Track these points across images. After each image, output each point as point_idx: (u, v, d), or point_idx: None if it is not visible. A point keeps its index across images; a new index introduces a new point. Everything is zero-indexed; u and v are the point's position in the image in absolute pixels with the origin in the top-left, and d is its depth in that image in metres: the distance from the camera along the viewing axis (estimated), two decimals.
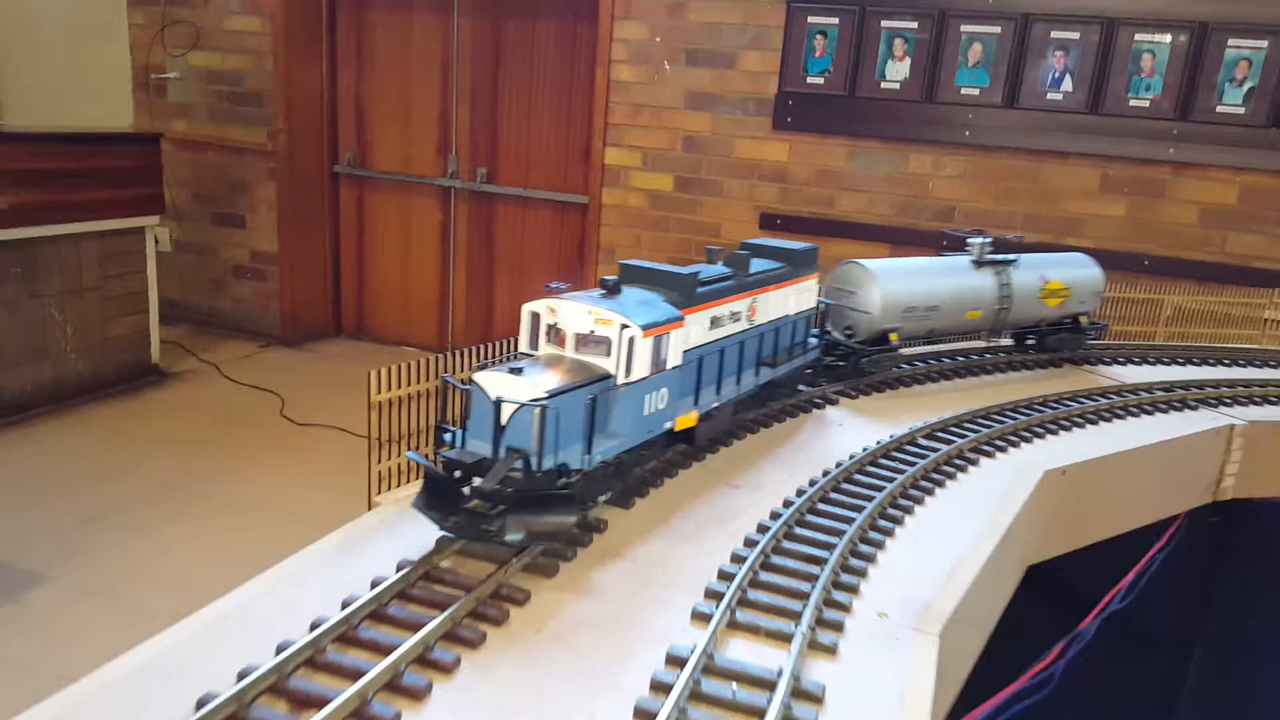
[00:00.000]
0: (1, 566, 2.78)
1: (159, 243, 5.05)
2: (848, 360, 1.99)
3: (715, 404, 1.48)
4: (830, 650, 1.07)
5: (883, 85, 4.50)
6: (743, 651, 1.06)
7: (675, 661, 1.00)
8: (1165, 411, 2.03)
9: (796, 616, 1.11)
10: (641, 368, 1.21)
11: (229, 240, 5.89)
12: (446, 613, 1.02)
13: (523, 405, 1.06)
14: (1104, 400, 2.05)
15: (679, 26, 4.71)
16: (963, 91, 4.38)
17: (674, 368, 1.31)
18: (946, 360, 2.37)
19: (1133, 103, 4.18)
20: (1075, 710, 1.71)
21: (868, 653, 1.08)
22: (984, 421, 1.86)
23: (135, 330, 4.65)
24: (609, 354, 1.19)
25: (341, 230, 6.09)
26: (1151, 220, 4.20)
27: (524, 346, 1.26)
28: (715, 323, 1.43)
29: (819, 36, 4.54)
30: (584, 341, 1.20)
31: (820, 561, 1.25)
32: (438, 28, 5.61)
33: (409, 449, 1.19)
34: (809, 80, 4.60)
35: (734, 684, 0.97)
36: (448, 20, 5.57)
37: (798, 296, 1.72)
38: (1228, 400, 2.14)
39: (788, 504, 1.42)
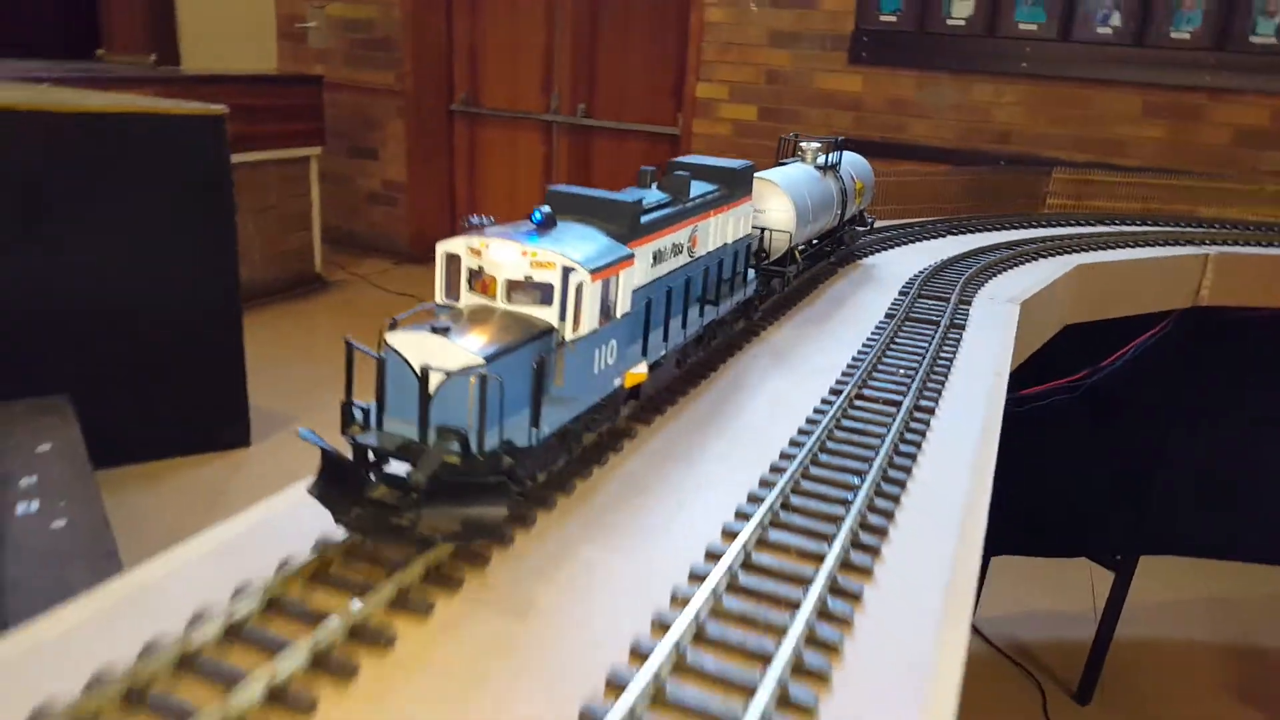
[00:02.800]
0: (264, 411, 3.65)
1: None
2: (765, 284, 1.79)
3: (663, 353, 1.29)
4: (968, 304, 1.97)
5: (948, 22, 5.06)
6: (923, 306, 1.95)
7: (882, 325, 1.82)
8: (1165, 245, 2.78)
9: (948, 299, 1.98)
10: (591, 319, 1.03)
11: (363, 171, 6.72)
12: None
13: (455, 374, 0.87)
14: (1118, 234, 2.77)
15: None
16: (1021, 27, 4.93)
17: (623, 315, 1.12)
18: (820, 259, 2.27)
19: (1174, 35, 4.69)
20: (1092, 414, 2.44)
21: (987, 308, 1.94)
22: (1020, 245, 2.54)
23: (303, 244, 5.51)
24: (550, 303, 0.99)
25: (456, 161, 6.87)
26: (1188, 142, 4.74)
27: (440, 297, 1.03)
28: (658, 258, 1.24)
29: None
30: (518, 289, 0.99)
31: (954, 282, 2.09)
32: None
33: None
34: (882, 18, 5.18)
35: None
36: None
37: (735, 222, 1.52)
38: (1210, 241, 2.85)
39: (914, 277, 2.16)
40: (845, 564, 0.94)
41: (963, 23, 5.04)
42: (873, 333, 1.75)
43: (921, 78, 5.17)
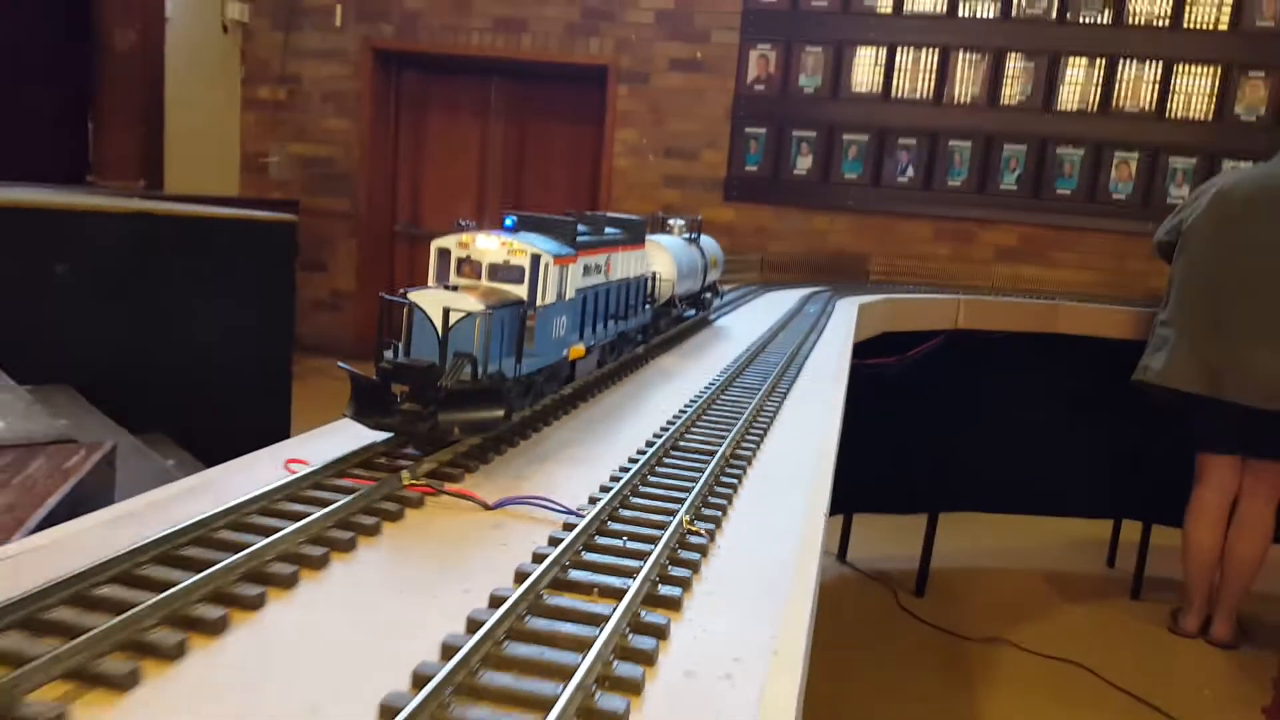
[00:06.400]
0: None
1: None
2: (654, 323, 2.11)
3: (593, 342, 1.61)
4: (832, 307, 3.22)
5: (794, 172, 6.81)
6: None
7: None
8: (938, 294, 4.33)
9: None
10: (551, 294, 1.30)
11: (310, 282, 7.78)
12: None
13: (469, 314, 1.11)
14: (912, 288, 4.35)
15: (660, 132, 6.98)
16: (846, 176, 6.72)
17: (569, 300, 1.41)
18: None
19: (950, 183, 6.58)
20: (902, 382, 3.83)
21: (844, 308, 3.15)
22: (857, 290, 4.02)
23: None
24: (521, 282, 1.25)
25: (396, 274, 8.05)
26: (966, 255, 6.57)
27: (433, 282, 1.27)
28: (587, 270, 1.53)
29: (753, 141, 6.85)
30: (498, 270, 1.25)
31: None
32: (476, 128, 7.76)
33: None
34: (747, 168, 6.89)
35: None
36: (484, 123, 7.73)
37: (635, 261, 1.86)
38: (963, 293, 4.47)
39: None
40: (736, 454, 1.30)
41: (805, 173, 6.80)
42: (780, 318, 3.06)
43: (777, 211, 6.86)
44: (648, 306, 2.00)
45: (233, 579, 0.72)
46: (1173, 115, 6.26)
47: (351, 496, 0.93)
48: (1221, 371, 3.60)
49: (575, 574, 0.82)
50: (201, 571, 0.70)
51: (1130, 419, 4.19)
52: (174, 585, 0.67)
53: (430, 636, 0.68)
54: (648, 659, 0.68)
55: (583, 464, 1.24)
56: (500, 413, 1.11)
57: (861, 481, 4.00)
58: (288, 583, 0.76)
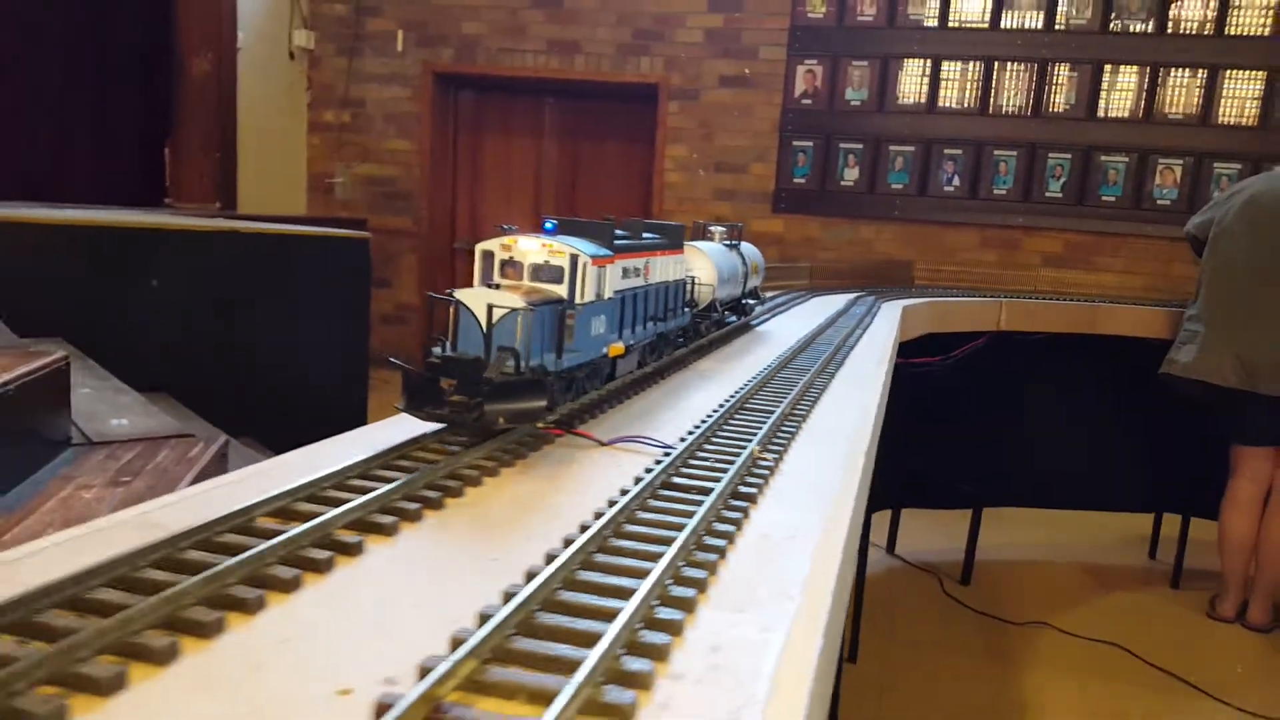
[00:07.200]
0: None
1: None
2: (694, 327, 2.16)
3: (632, 341, 1.63)
4: (878, 308, 3.39)
5: (842, 183, 6.98)
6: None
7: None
8: (980, 297, 4.47)
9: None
10: (590, 293, 1.33)
11: (377, 297, 8.13)
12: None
13: (511, 311, 1.15)
14: (956, 292, 4.50)
15: (709, 147, 7.21)
16: (892, 186, 6.88)
17: (608, 299, 1.44)
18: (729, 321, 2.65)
19: (996, 191, 6.70)
20: (947, 381, 3.98)
21: (888, 310, 3.37)
22: (901, 294, 4.19)
23: None
24: (561, 282, 1.28)
25: (457, 289, 8.36)
26: (1011, 262, 6.68)
27: (478, 283, 1.33)
28: (625, 273, 1.56)
29: (800, 154, 7.04)
30: (539, 271, 1.29)
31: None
32: (531, 146, 8.07)
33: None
34: (795, 180, 7.08)
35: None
36: (539, 141, 8.04)
37: (674, 265, 1.90)
38: (1004, 296, 4.59)
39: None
40: (792, 413, 1.50)
41: (852, 184, 6.97)
42: (825, 319, 3.25)
43: (824, 222, 7.04)
44: (687, 310, 2.05)
45: (438, 475, 1.03)
46: (1218, 121, 6.33)
47: (508, 432, 1.20)
48: (1257, 367, 3.73)
49: (676, 479, 1.07)
50: (415, 473, 1.00)
51: (1169, 415, 4.30)
52: (398, 480, 0.98)
53: (584, 512, 0.97)
54: (735, 524, 0.95)
55: (665, 423, 1.45)
56: (543, 403, 1.15)
57: (908, 477, 4.18)
58: (475, 481, 1.06)
